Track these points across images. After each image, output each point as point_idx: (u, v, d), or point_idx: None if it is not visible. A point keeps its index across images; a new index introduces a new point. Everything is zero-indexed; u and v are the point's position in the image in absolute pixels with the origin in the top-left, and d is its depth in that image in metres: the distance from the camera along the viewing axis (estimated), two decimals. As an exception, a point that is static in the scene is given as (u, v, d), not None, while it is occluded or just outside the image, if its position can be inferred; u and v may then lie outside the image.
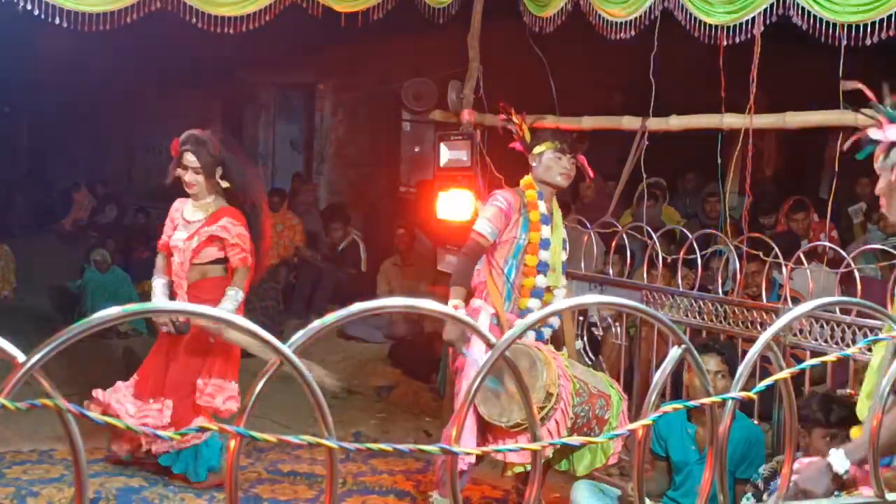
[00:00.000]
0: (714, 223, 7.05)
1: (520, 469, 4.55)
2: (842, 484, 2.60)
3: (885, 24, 4.48)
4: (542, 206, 4.74)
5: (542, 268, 4.71)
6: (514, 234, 4.69)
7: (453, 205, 6.27)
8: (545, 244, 4.72)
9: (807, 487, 2.59)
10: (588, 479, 4.80)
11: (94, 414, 1.32)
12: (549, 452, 4.38)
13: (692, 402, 1.66)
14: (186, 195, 5.38)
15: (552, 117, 6.12)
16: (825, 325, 4.46)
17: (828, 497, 2.58)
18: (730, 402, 1.62)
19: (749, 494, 4.03)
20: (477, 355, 4.52)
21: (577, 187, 8.62)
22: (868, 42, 4.55)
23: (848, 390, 4.36)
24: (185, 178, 5.30)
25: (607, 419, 4.50)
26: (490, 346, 1.49)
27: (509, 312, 4.70)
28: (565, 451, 4.62)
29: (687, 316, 5.17)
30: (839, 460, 2.58)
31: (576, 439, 1.56)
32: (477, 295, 4.78)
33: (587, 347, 5.52)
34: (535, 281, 4.69)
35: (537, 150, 4.79)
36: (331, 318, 1.45)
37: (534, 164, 4.81)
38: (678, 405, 1.65)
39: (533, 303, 4.70)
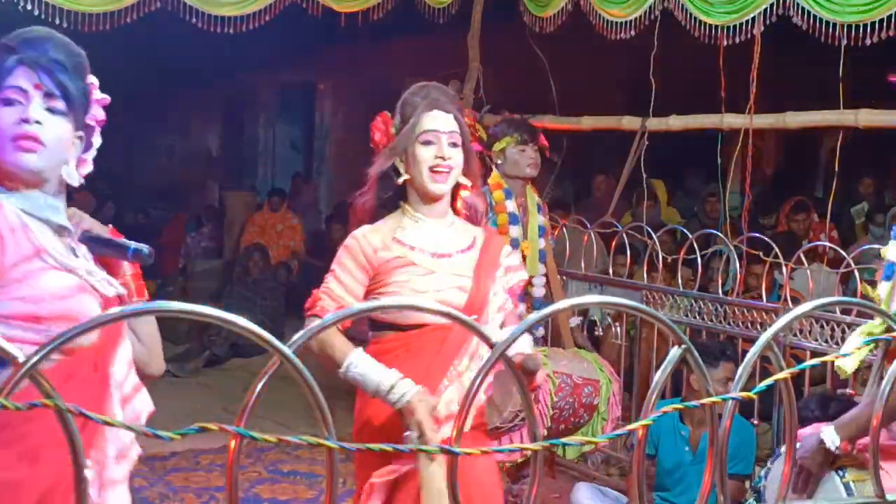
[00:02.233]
0: (714, 223, 7.05)
1: (509, 463, 4.57)
2: (834, 458, 2.77)
3: (885, 24, 4.48)
4: (511, 206, 4.72)
5: None
6: None
7: (453, 205, 6.26)
8: (514, 244, 4.72)
9: (804, 462, 2.78)
10: (589, 482, 4.81)
11: (94, 414, 1.31)
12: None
13: (692, 403, 1.66)
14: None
15: (551, 117, 6.13)
16: (825, 325, 4.46)
17: (823, 471, 2.77)
18: (730, 403, 1.62)
19: (751, 500, 4.04)
20: None
21: (593, 181, 8.62)
22: (868, 42, 4.55)
23: (848, 390, 4.36)
24: (431, 165, 2.79)
25: (596, 404, 4.50)
26: (490, 346, 1.48)
27: None
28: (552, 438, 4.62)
29: (687, 316, 5.17)
30: (830, 437, 2.75)
31: (575, 439, 1.55)
32: None
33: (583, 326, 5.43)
34: None
35: (498, 146, 4.73)
36: (331, 318, 1.45)
37: (499, 162, 4.75)
38: (678, 405, 1.65)
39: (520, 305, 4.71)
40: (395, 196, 2.89)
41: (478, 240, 2.93)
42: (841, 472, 2.80)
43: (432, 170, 2.78)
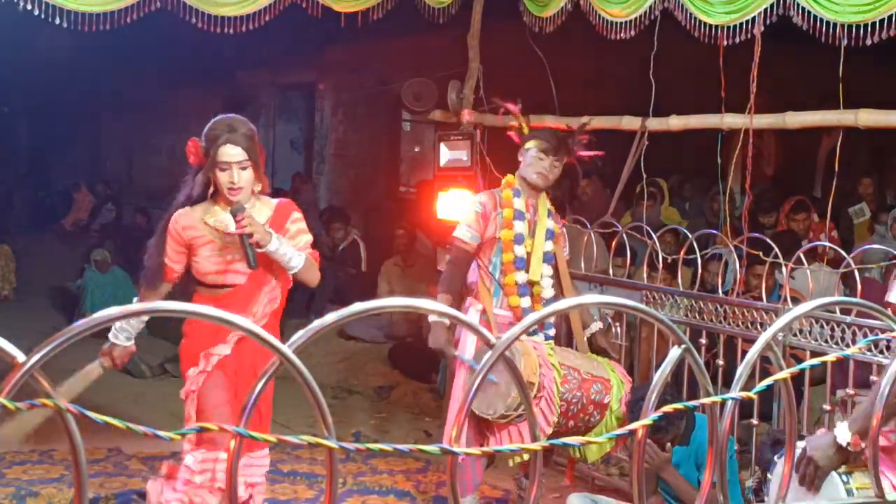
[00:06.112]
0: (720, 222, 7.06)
1: (518, 459, 4.57)
2: (846, 456, 2.73)
3: (885, 24, 4.48)
4: (518, 203, 4.76)
5: (519, 264, 4.73)
6: (494, 234, 4.73)
7: (453, 205, 6.27)
8: (518, 239, 4.74)
9: (813, 455, 2.75)
10: (582, 492, 4.81)
11: (94, 414, 1.32)
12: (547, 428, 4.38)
13: (693, 402, 1.66)
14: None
15: (551, 117, 6.13)
16: (825, 325, 4.46)
17: (832, 467, 2.73)
18: (730, 403, 1.62)
19: (750, 483, 4.03)
20: (467, 354, 4.59)
21: (573, 185, 8.58)
22: (868, 42, 4.55)
23: (848, 390, 4.36)
24: (227, 187, 3.91)
25: (607, 403, 4.50)
26: (490, 345, 1.49)
27: (498, 308, 4.73)
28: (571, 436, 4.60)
29: (687, 316, 5.17)
30: (842, 432, 2.72)
31: (575, 439, 1.56)
32: (470, 294, 4.82)
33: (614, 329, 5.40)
34: (515, 277, 4.72)
35: (527, 145, 4.81)
36: (331, 317, 1.45)
37: (520, 159, 4.84)
38: (678, 405, 1.65)
39: (524, 301, 4.72)
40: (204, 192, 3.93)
41: (269, 213, 3.98)
42: (845, 478, 2.75)
43: (228, 190, 3.84)
